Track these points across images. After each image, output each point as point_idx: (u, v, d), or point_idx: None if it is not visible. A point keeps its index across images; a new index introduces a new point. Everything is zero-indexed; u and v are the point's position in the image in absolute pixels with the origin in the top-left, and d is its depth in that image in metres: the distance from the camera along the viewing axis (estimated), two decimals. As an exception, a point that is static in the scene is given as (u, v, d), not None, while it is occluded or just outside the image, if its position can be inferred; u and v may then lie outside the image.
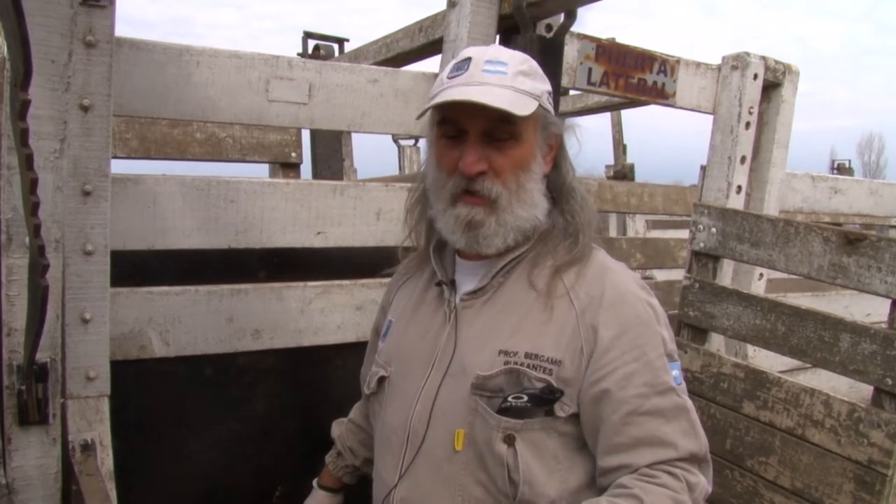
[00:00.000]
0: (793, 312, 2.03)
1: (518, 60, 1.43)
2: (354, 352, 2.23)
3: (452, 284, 1.51)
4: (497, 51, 1.45)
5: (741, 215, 2.24)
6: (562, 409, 1.38)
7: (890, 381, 1.83)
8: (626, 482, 1.32)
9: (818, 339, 1.97)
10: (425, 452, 1.43)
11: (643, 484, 1.31)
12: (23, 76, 1.05)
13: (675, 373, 1.41)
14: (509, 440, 1.36)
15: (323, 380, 2.26)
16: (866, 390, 1.98)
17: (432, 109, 1.42)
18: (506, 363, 1.38)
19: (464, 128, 1.40)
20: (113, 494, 1.67)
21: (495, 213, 1.40)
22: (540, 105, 1.41)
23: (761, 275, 2.98)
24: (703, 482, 1.38)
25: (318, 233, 2.12)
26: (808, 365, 2.14)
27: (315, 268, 2.22)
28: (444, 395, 1.43)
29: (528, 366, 1.37)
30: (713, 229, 2.27)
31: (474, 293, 1.47)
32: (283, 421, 2.20)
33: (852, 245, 1.97)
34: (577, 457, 1.41)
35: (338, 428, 1.89)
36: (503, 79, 1.38)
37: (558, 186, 1.50)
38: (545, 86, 1.46)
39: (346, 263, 2.27)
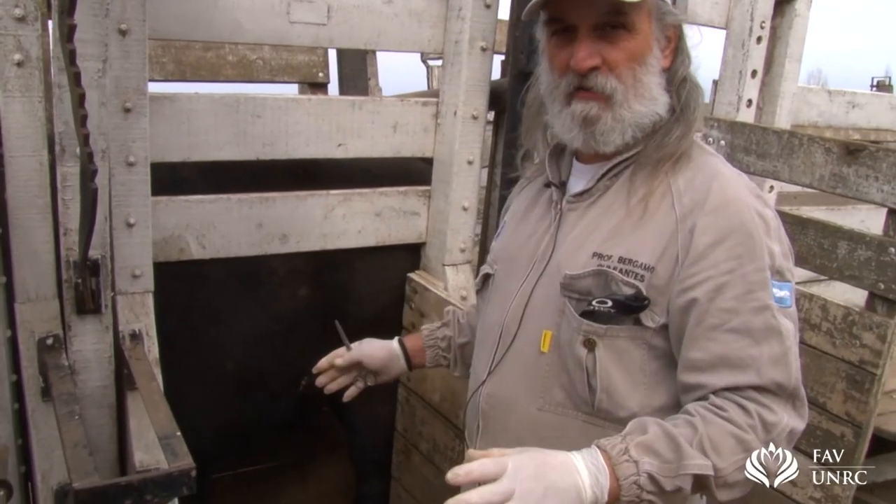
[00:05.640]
0: (794, 221, 2.09)
1: None
2: (374, 255, 2.41)
3: (563, 186, 1.44)
4: None
5: (749, 128, 2.31)
6: (651, 319, 1.28)
7: (882, 286, 1.91)
8: (690, 409, 1.22)
9: (818, 246, 2.05)
10: (514, 351, 1.40)
11: (706, 413, 1.19)
12: (68, 3, 1.20)
13: (782, 293, 1.25)
14: (589, 344, 1.30)
15: (345, 280, 2.43)
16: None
17: (540, 10, 1.34)
18: (599, 265, 1.31)
19: (573, 23, 1.29)
20: (159, 377, 1.86)
21: (611, 109, 1.31)
22: None
23: (771, 187, 3.04)
24: (786, 421, 1.21)
25: (339, 145, 2.26)
26: (822, 277, 2.20)
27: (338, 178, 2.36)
28: (538, 295, 1.39)
29: (620, 270, 1.29)
30: (722, 142, 2.34)
31: (580, 195, 1.39)
32: (308, 318, 2.37)
33: (852, 155, 2.04)
34: (666, 373, 1.30)
35: (452, 309, 1.84)
36: None
37: (674, 80, 1.37)
38: None
39: (365, 174, 2.42)
